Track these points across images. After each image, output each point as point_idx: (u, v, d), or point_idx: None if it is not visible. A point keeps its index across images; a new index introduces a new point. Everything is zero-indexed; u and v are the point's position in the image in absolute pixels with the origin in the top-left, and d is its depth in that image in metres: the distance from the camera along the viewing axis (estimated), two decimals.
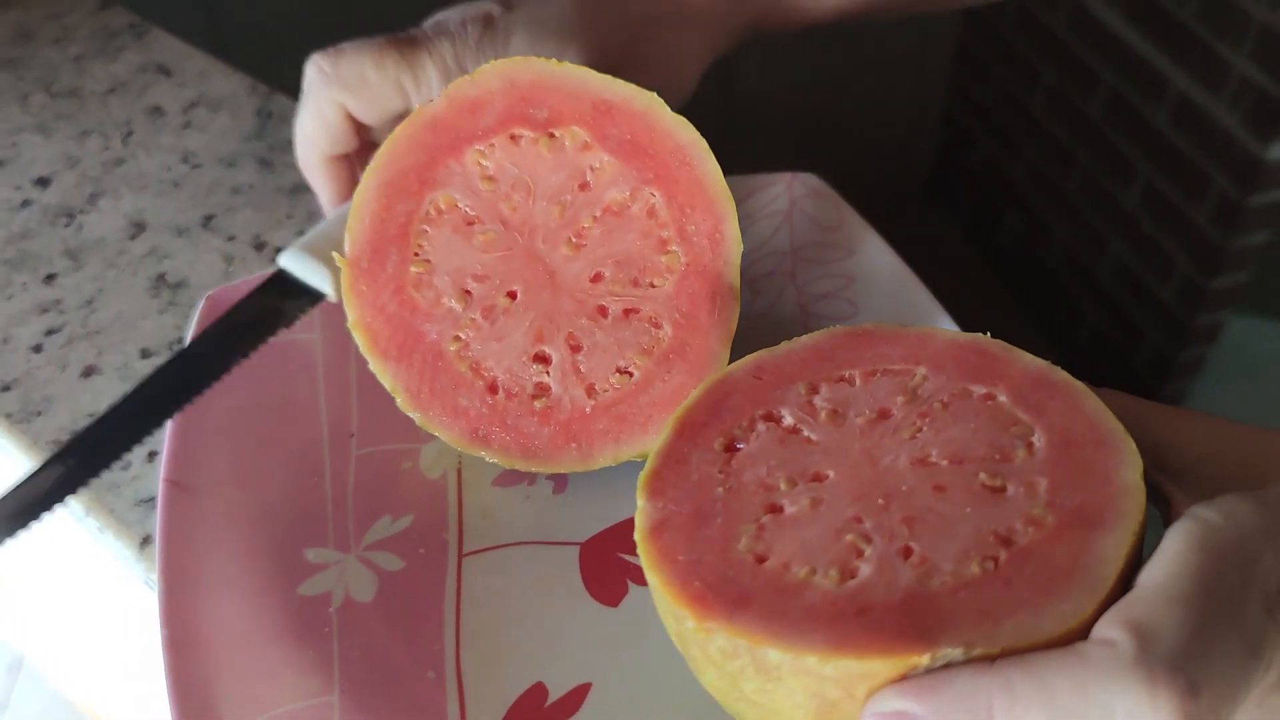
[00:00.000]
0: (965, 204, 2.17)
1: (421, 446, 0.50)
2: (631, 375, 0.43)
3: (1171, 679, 0.28)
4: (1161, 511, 0.35)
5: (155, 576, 0.44)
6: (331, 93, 0.47)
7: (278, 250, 0.60)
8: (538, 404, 0.44)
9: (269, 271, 0.49)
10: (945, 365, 0.38)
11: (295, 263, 0.50)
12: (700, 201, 0.43)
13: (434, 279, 0.44)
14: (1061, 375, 0.37)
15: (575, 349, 0.44)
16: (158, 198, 0.63)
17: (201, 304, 0.52)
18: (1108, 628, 0.29)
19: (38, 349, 0.55)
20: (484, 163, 0.44)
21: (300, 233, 0.61)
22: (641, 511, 0.36)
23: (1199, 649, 0.28)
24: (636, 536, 0.35)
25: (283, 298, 0.50)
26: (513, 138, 0.44)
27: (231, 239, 0.61)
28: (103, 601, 0.54)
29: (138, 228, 0.62)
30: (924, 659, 0.30)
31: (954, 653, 0.30)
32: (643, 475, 0.37)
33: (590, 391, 0.44)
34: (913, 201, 2.16)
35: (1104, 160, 1.86)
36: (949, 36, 2.06)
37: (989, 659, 0.30)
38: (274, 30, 0.86)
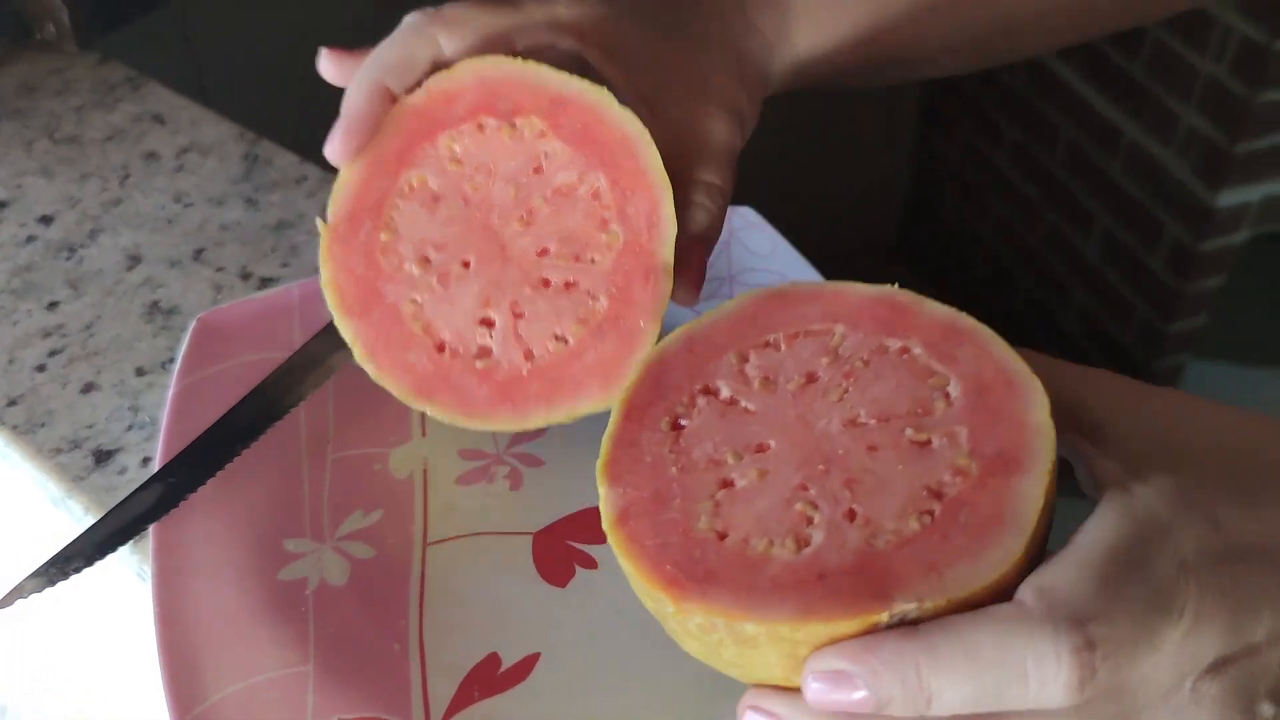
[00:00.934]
0: (933, 258, 2.24)
1: (390, 450, 0.55)
2: (567, 342, 0.46)
3: (1070, 634, 0.31)
4: (1076, 466, 0.38)
5: (147, 567, 0.49)
6: (433, 29, 0.48)
7: (263, 280, 0.66)
8: (479, 364, 0.47)
9: (264, 294, 0.55)
10: (861, 321, 0.40)
11: None
12: (641, 186, 0.46)
13: (399, 246, 0.48)
14: (968, 321, 0.39)
15: (518, 316, 0.47)
16: (152, 234, 0.69)
17: (193, 325, 0.57)
18: (1022, 590, 0.32)
19: (41, 368, 0.60)
20: (454, 147, 0.48)
21: (285, 265, 0.67)
22: (604, 499, 0.38)
23: (1099, 606, 0.31)
24: (604, 525, 0.37)
25: (336, 347, 0.54)
26: (479, 126, 0.48)
27: (220, 270, 0.66)
28: (96, 616, 0.58)
29: (134, 260, 0.67)
30: (883, 616, 0.32)
31: (908, 606, 0.32)
32: (600, 462, 0.39)
33: (528, 355, 0.47)
34: (881, 256, 2.23)
35: (1065, 211, 1.92)
36: (915, 95, 2.14)
37: (939, 610, 0.32)
38: (257, 83, 0.92)
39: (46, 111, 0.78)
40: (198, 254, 0.68)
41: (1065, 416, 0.37)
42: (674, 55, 0.51)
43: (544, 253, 0.47)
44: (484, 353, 0.47)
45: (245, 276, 0.66)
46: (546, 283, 0.47)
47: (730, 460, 0.37)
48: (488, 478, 0.54)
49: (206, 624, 0.47)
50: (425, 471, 0.54)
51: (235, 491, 0.52)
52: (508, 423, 0.47)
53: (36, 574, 0.47)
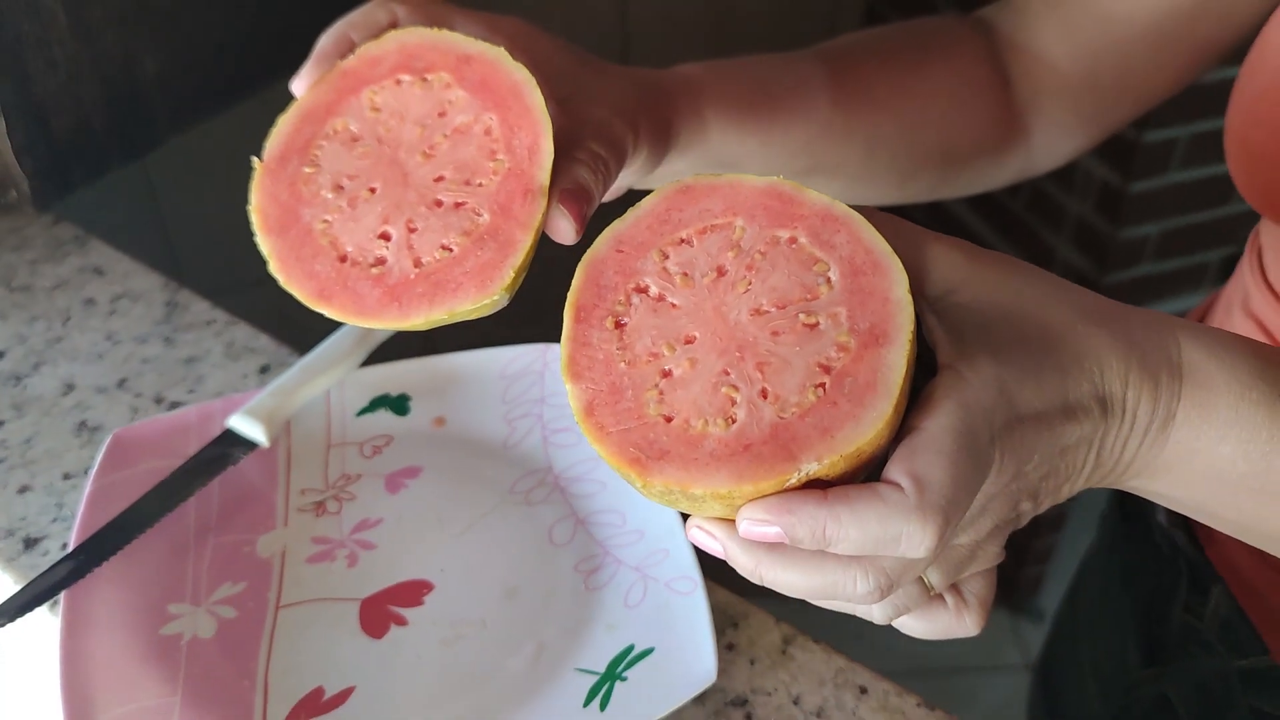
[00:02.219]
0: None
1: (259, 537, 0.70)
2: (451, 251, 0.51)
3: (935, 517, 0.41)
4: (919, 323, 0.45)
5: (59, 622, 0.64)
6: (394, 3, 0.59)
7: (172, 404, 0.82)
8: (374, 271, 0.51)
9: (169, 414, 0.70)
10: (756, 213, 0.46)
11: (240, 422, 0.75)
12: (526, 123, 0.53)
13: (319, 177, 0.54)
14: (841, 208, 0.46)
15: (412, 230, 0.52)
16: (85, 366, 0.85)
17: (109, 440, 0.73)
18: (898, 473, 0.41)
19: None
20: (375, 99, 0.57)
21: (191, 391, 0.82)
22: (571, 394, 0.44)
23: (954, 493, 0.41)
24: (575, 417, 0.44)
25: (230, 446, 0.74)
26: (397, 81, 0.57)
27: (139, 395, 0.82)
28: (17, 659, 0.73)
29: (69, 388, 0.83)
30: (793, 476, 0.41)
31: (812, 465, 0.41)
32: (562, 362, 0.45)
33: (416, 263, 0.51)
34: None
35: None
36: None
37: (834, 464, 0.41)
38: (183, 242, 1.09)
39: (5, 264, 0.95)
40: (121, 383, 0.83)
41: (913, 283, 0.45)
42: (586, 73, 0.62)
43: (440, 179, 0.53)
44: (379, 262, 0.51)
45: (158, 401, 0.82)
46: (439, 203, 0.52)
47: (666, 352, 0.44)
48: (331, 558, 0.69)
49: (99, 666, 0.62)
50: (284, 553, 0.70)
51: (134, 568, 0.67)
52: (394, 321, 0.51)
53: None
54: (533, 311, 0.83)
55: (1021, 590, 2.02)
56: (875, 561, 0.43)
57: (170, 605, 0.66)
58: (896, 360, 0.42)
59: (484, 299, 0.50)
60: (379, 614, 0.66)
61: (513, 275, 0.50)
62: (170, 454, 0.74)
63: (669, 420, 0.43)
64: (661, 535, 0.69)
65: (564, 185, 0.53)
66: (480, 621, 0.66)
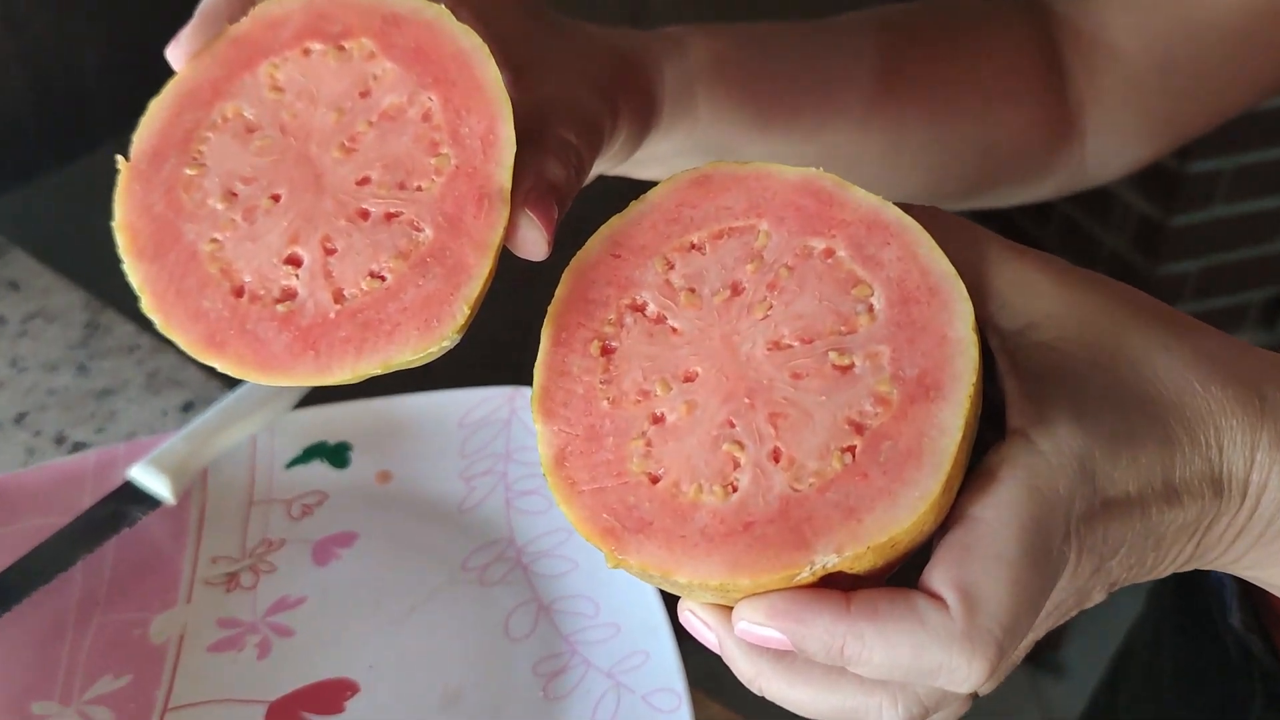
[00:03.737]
0: None
1: (153, 616, 0.58)
2: (384, 280, 0.40)
3: (988, 650, 0.32)
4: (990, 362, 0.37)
5: None
6: None
7: (76, 444, 0.70)
8: (280, 308, 0.40)
9: (61, 460, 0.58)
10: (785, 215, 0.39)
11: (143, 474, 0.63)
12: (476, 104, 0.42)
13: (204, 181, 0.42)
14: (893, 213, 0.38)
15: (329, 252, 0.41)
16: None
17: None
18: (944, 583, 0.33)
19: None
20: (276, 74, 0.44)
21: (100, 430, 0.70)
22: (541, 438, 0.37)
23: (1014, 618, 0.33)
24: (542, 466, 0.37)
25: (129, 502, 0.62)
26: (305, 51, 0.44)
27: (37, 434, 0.70)
28: None
29: None
30: (804, 570, 0.33)
31: (830, 558, 0.33)
32: (534, 394, 0.38)
33: (337, 296, 0.40)
34: None
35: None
36: None
37: (859, 556, 0.33)
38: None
39: None
40: (19, 418, 0.71)
41: (982, 313, 0.37)
42: (549, 36, 0.50)
43: (365, 181, 0.41)
44: (288, 295, 0.40)
45: (60, 441, 0.70)
46: (365, 214, 0.41)
47: (659, 391, 0.37)
48: (238, 646, 0.57)
49: None
50: (181, 638, 0.57)
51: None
52: (309, 375, 0.40)
53: None
54: (498, 345, 0.71)
55: (1040, 643, 1.90)
56: (907, 688, 0.35)
57: (34, 704, 0.54)
58: (950, 421, 0.34)
59: (428, 345, 0.38)
60: None
61: (466, 311, 0.38)
62: (58, 509, 0.62)
63: (655, 481, 0.35)
64: (641, 633, 0.56)
65: (529, 185, 0.41)
66: None
